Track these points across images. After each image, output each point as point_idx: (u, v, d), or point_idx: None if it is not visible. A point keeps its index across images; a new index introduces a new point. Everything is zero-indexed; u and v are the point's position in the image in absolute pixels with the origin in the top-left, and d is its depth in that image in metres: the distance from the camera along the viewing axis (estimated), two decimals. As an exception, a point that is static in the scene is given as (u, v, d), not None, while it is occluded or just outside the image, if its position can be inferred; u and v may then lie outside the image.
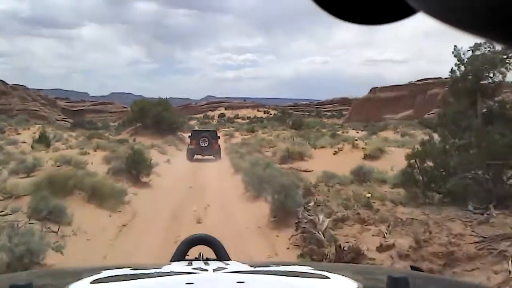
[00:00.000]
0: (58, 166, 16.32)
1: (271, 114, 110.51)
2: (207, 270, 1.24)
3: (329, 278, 1.07)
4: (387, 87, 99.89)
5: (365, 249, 5.76)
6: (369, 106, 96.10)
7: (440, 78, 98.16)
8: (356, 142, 18.12)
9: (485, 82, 8.96)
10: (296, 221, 7.56)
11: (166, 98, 38.87)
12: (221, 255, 1.76)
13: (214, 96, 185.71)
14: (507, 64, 8.62)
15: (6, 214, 8.10)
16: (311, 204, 7.99)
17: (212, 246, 1.82)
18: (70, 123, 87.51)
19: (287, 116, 66.43)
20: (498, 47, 8.33)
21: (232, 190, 14.20)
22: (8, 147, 25.35)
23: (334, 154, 17.33)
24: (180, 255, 1.78)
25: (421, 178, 8.24)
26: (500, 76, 8.76)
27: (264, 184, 11.81)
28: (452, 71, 9.31)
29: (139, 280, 1.10)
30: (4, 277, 1.33)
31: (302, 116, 79.74)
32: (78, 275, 1.13)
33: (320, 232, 6.42)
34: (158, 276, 1.12)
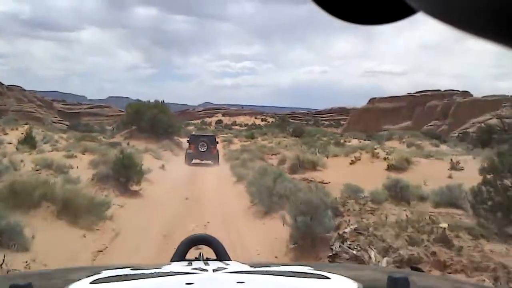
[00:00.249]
0: (36, 170, 14.20)
1: (268, 121, 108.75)
2: (207, 270, 1.21)
3: (329, 278, 1.05)
4: (386, 98, 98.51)
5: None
6: (367, 116, 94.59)
7: (439, 90, 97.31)
8: (376, 151, 16.10)
9: None
10: (330, 253, 5.50)
11: (163, 101, 36.69)
12: (221, 255, 1.75)
13: (211, 103, 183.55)
14: None
15: None
16: (347, 230, 5.92)
17: (212, 246, 1.81)
18: (67, 125, 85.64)
19: (287, 124, 64.34)
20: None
21: (236, 202, 12.12)
22: (-9, 148, 23.16)
23: (351, 163, 15.29)
24: (180, 255, 1.76)
25: (495, 198, 6.22)
26: None
27: (274, 198, 9.75)
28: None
29: (139, 280, 1.08)
30: (4, 277, 1.43)
31: (300, 125, 77.81)
32: (78, 275, 1.12)
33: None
34: (158, 276, 1.10)
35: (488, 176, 6.50)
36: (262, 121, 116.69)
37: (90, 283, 1.02)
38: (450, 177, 12.42)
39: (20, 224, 6.19)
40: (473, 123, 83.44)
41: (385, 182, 9.43)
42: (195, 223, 9.23)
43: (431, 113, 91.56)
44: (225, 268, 1.24)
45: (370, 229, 5.82)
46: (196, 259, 1.69)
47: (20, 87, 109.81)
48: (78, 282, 1.03)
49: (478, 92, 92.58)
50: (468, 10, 0.35)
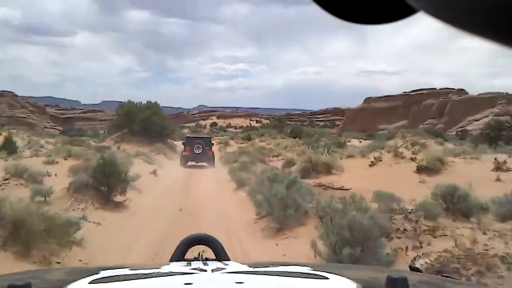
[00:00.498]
0: (5, 180, 12.05)
1: (263, 123, 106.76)
2: (206, 271, 1.20)
3: (328, 278, 1.05)
4: (381, 97, 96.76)
5: None
6: (363, 116, 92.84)
7: (434, 89, 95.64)
8: (400, 150, 13.97)
9: None
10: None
11: (156, 102, 34.50)
12: (220, 255, 1.71)
13: (206, 106, 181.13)
14: None
15: None
16: (417, 264, 3.86)
17: (211, 246, 1.77)
18: (60, 130, 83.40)
19: (284, 124, 62.21)
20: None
21: (238, 214, 10.05)
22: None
23: (370, 165, 13.24)
24: (179, 255, 1.72)
25: None
26: None
27: (289, 211, 7.69)
28: None
29: (137, 280, 1.07)
30: (3, 277, 1.29)
31: (297, 126, 75.95)
32: (77, 275, 1.10)
33: None
34: (156, 276, 1.09)
35: None
36: (257, 122, 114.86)
37: (89, 283, 1.00)
38: (498, 179, 10.40)
39: None
40: (469, 121, 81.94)
41: (436, 189, 7.38)
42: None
43: (427, 112, 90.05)
44: (224, 268, 1.22)
45: (455, 265, 3.77)
46: (195, 259, 1.63)
47: (13, 92, 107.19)
48: (76, 282, 1.01)
49: (472, 90, 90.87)
50: (468, 10, 0.34)
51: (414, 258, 4.18)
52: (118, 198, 10.99)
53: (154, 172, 17.68)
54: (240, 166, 17.53)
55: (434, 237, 5.19)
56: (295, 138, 40.16)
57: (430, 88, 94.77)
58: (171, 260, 1.67)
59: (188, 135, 28.87)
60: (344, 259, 4.21)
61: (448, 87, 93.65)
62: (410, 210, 6.33)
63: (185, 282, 0.99)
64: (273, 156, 22.46)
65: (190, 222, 9.34)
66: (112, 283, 1.02)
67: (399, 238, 5.16)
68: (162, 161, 23.56)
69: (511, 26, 0.33)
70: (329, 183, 9.62)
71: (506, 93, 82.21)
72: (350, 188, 9.30)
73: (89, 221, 8.49)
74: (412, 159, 12.30)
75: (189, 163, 22.34)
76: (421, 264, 3.90)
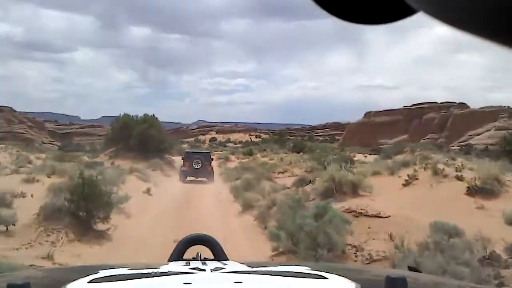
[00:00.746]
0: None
1: (263, 138, 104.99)
2: (205, 270, 1.18)
3: (326, 278, 1.03)
4: (382, 111, 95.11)
5: None
6: (363, 130, 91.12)
7: (435, 102, 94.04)
8: (440, 167, 11.78)
9: None
10: None
11: (153, 115, 32.49)
12: (219, 255, 1.69)
13: (205, 121, 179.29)
14: None
15: None
16: None
17: (209, 246, 1.74)
18: (58, 146, 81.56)
19: (286, 139, 60.16)
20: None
21: (247, 248, 7.96)
22: None
23: (404, 185, 11.11)
24: (177, 255, 1.70)
25: None
26: None
27: (321, 251, 5.63)
28: None
29: (136, 280, 1.05)
30: (2, 276, 1.26)
31: (298, 141, 74.26)
32: (76, 274, 1.09)
33: None
34: (155, 276, 1.07)
35: None
36: (256, 137, 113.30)
37: (88, 282, 1.00)
38: None
39: None
40: (470, 135, 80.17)
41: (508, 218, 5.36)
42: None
43: (427, 126, 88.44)
44: (223, 268, 1.21)
45: None
46: (194, 259, 1.61)
47: (11, 107, 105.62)
48: (76, 282, 1.00)
49: (471, 104, 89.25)
50: (468, 10, 0.34)
51: None
52: (100, 226, 8.96)
53: (148, 191, 15.63)
54: (244, 184, 15.45)
55: None
56: (298, 153, 38.20)
57: (431, 102, 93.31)
58: (170, 260, 1.65)
59: (187, 150, 28.46)
60: None
61: (448, 101, 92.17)
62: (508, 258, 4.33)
63: (184, 282, 0.98)
64: (279, 173, 20.42)
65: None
66: (111, 282, 1.00)
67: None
68: (158, 178, 21.49)
69: (511, 26, 0.33)
70: (361, 209, 7.63)
71: (508, 106, 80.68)
72: (389, 216, 7.26)
73: (55, 262, 6.42)
74: (459, 178, 10.17)
75: (188, 178, 22.10)
76: None
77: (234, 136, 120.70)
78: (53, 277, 1.28)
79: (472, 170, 11.32)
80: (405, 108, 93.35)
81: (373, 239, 6.69)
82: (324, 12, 0.45)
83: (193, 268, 1.20)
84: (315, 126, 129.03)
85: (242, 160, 33.07)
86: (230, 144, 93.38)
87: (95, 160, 26.20)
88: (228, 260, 1.60)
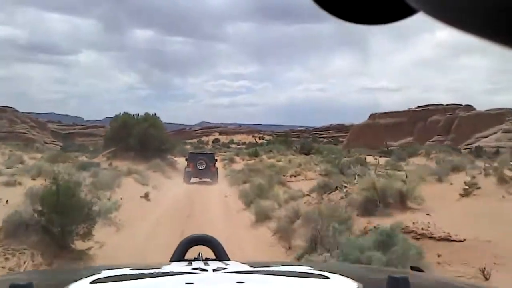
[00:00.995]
0: None
1: (266, 139, 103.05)
2: (207, 270, 1.16)
3: (329, 278, 1.00)
4: (386, 113, 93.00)
5: None
6: (368, 132, 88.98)
7: (441, 104, 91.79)
8: (506, 172, 9.57)
9: None
10: None
11: (155, 114, 30.48)
12: (221, 255, 1.67)
13: (208, 122, 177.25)
14: None
15: None
16: None
17: (211, 246, 1.73)
18: (60, 146, 79.93)
19: (292, 140, 58.06)
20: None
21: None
22: None
23: (463, 195, 8.98)
24: (179, 255, 1.68)
25: None
26: None
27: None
28: None
29: (138, 280, 1.03)
30: (5, 277, 1.24)
31: (305, 142, 72.28)
32: (78, 275, 1.07)
33: None
34: (157, 276, 1.05)
35: None
36: (259, 139, 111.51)
37: (90, 283, 0.98)
38: None
39: None
40: (477, 137, 77.92)
41: None
42: None
43: (433, 128, 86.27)
44: (225, 268, 1.19)
45: None
46: (195, 259, 1.59)
47: (13, 108, 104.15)
48: (78, 282, 0.98)
49: (476, 106, 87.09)
50: (468, 10, 0.34)
51: None
52: (79, 245, 6.93)
53: (146, 196, 13.62)
54: (254, 189, 13.40)
55: None
56: (306, 154, 36.19)
57: (437, 104, 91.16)
58: (171, 260, 1.62)
59: (191, 151, 27.93)
60: None
61: (454, 103, 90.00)
62: None
63: (187, 282, 0.97)
64: (291, 176, 18.39)
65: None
66: (114, 282, 0.99)
67: None
68: (158, 180, 19.47)
69: (511, 26, 0.33)
70: (422, 228, 5.62)
71: (515, 109, 78.42)
72: (464, 240, 5.25)
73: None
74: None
75: (193, 179, 21.65)
76: None
77: (237, 138, 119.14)
78: (56, 278, 1.28)
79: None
80: (410, 110, 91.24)
81: (450, 272, 4.70)
82: (324, 13, 0.44)
83: (195, 268, 1.19)
84: (318, 128, 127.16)
85: (248, 162, 31.05)
86: (233, 145, 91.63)
87: (92, 160, 24.21)
88: (230, 260, 1.57)
